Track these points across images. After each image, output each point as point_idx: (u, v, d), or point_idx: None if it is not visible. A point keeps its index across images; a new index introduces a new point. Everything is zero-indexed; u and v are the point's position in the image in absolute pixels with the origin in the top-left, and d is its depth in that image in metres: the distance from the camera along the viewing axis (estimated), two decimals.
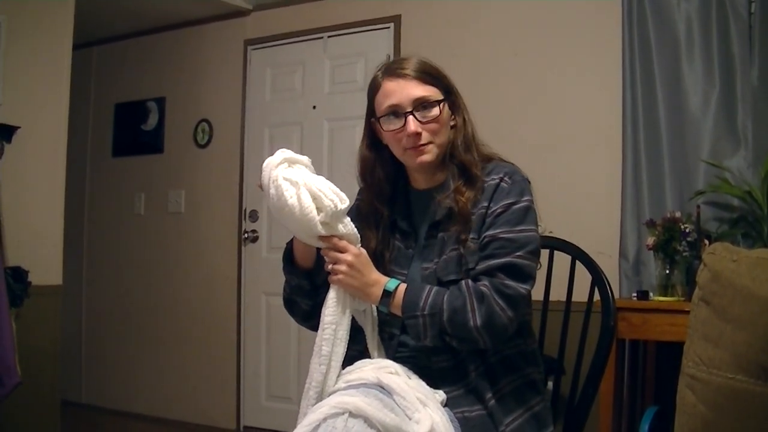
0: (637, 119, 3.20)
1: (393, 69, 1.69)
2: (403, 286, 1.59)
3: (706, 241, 2.83)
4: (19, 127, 3.23)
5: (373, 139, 1.77)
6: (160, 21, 4.69)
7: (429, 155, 1.65)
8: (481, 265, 1.56)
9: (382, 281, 1.60)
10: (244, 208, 4.43)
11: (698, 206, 2.93)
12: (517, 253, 1.55)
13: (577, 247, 1.97)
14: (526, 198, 1.61)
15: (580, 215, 3.30)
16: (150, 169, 4.80)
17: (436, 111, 1.65)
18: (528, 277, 1.56)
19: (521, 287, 1.54)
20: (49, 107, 3.50)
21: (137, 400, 4.69)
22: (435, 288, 1.58)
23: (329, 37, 4.23)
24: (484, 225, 1.60)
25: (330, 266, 1.58)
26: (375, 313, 1.66)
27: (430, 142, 1.64)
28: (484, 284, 1.54)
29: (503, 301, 1.52)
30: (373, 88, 1.73)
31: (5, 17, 3.31)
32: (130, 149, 4.90)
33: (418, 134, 1.63)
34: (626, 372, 3.03)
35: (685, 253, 2.85)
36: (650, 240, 2.95)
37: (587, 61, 3.45)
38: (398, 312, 1.58)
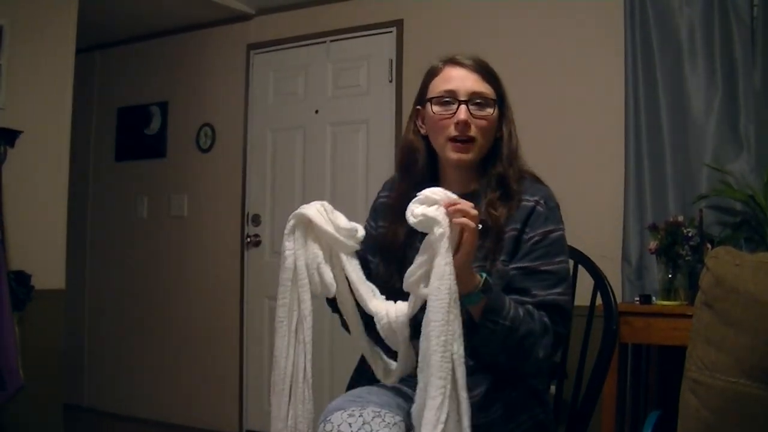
0: (639, 123, 3.20)
1: (456, 59, 1.68)
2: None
3: (709, 245, 2.82)
4: (21, 132, 3.23)
5: (416, 128, 1.74)
6: (163, 25, 4.70)
7: (470, 154, 1.64)
8: (529, 298, 1.55)
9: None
10: (246, 212, 4.43)
11: (701, 210, 2.93)
12: (558, 290, 1.56)
13: (580, 251, 1.97)
14: (561, 226, 1.63)
15: (582, 219, 3.29)
16: (153, 173, 4.80)
17: (489, 110, 1.64)
18: (570, 318, 1.60)
19: (565, 330, 1.57)
20: (51, 111, 3.51)
21: (140, 404, 4.69)
22: (511, 300, 1.51)
23: (332, 41, 4.24)
24: (520, 251, 1.58)
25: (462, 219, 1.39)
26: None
27: (474, 139, 1.62)
28: (544, 318, 1.53)
29: (556, 341, 1.55)
30: (431, 74, 1.71)
31: (8, 21, 3.32)
32: (133, 153, 4.91)
33: (467, 124, 1.61)
34: (629, 376, 3.03)
35: (687, 257, 2.84)
36: (653, 244, 2.95)
37: (590, 65, 3.45)
38: (475, 310, 1.47)
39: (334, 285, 1.53)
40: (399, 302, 1.53)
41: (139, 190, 4.85)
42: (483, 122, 1.63)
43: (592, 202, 3.36)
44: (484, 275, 1.46)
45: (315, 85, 4.29)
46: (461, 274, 1.38)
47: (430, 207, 1.39)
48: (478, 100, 1.63)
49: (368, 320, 1.57)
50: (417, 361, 1.55)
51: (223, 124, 4.55)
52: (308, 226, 1.53)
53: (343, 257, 1.54)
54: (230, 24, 4.55)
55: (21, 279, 3.14)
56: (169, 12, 4.49)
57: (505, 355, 1.51)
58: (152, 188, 4.80)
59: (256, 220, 4.41)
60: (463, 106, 1.62)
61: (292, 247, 1.53)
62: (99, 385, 4.89)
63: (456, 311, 1.35)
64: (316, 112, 4.27)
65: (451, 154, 1.64)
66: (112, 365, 4.83)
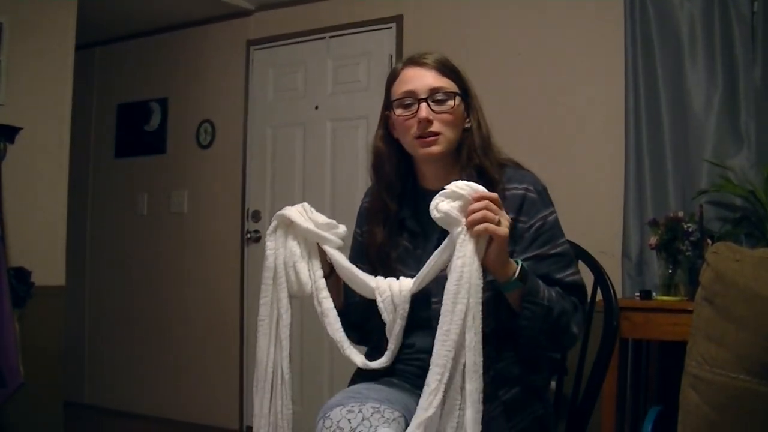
0: (640, 119, 3.20)
1: (414, 59, 1.70)
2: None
3: (709, 241, 2.82)
4: (21, 128, 3.24)
5: (386, 131, 1.75)
6: (163, 21, 4.70)
7: (437, 147, 1.64)
8: (551, 282, 1.58)
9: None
10: (246, 208, 4.43)
11: (701, 206, 2.93)
12: (572, 270, 1.62)
13: (580, 247, 1.97)
14: (553, 208, 1.66)
15: (582, 215, 3.30)
16: (153, 169, 4.80)
17: (450, 103, 1.65)
18: (587, 295, 1.65)
19: (587, 307, 1.64)
20: (51, 108, 3.51)
21: (140, 401, 4.69)
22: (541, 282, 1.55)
23: (331, 37, 4.23)
24: (524, 239, 1.60)
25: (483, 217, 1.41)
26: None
27: (440, 133, 1.63)
28: (572, 297, 1.59)
29: (585, 318, 1.63)
30: (392, 77, 1.72)
31: (8, 18, 3.32)
32: (132, 150, 4.91)
33: (429, 121, 1.62)
34: (629, 372, 3.03)
35: (688, 253, 2.84)
36: (653, 239, 2.95)
37: (590, 61, 3.45)
38: (514, 297, 1.52)
39: (309, 283, 1.58)
40: (402, 278, 1.57)
41: (139, 186, 4.84)
42: (446, 116, 1.64)
43: (592, 197, 3.37)
44: (520, 263, 1.49)
45: (315, 81, 4.29)
46: (495, 266, 1.46)
47: (455, 203, 1.43)
48: (439, 96, 1.64)
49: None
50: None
51: (223, 121, 4.55)
52: (289, 227, 1.58)
53: (329, 250, 1.58)
54: (230, 20, 4.54)
55: (21, 276, 3.14)
56: (168, 8, 4.48)
57: (545, 336, 1.55)
58: (152, 184, 4.79)
59: (256, 216, 4.41)
60: (423, 104, 1.63)
61: (273, 247, 1.58)
62: (99, 382, 4.89)
63: (465, 302, 1.39)
64: (316, 108, 4.27)
65: (420, 150, 1.66)
66: (113, 362, 4.83)
